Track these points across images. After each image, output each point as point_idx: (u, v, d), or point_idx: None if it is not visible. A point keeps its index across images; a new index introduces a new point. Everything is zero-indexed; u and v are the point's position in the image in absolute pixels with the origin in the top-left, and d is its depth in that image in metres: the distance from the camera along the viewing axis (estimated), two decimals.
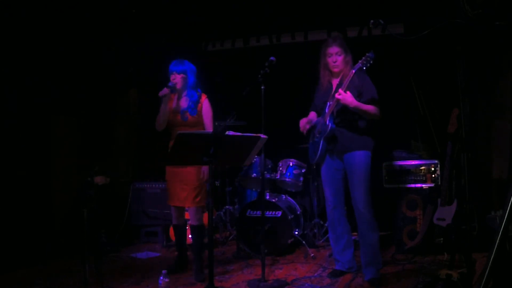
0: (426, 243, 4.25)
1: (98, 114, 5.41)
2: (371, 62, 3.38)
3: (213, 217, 4.11)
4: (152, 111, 3.94)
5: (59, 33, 4.69)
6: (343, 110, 3.58)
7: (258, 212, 4.56)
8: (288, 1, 5.27)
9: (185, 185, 3.84)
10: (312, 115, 3.82)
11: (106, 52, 5.27)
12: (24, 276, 4.03)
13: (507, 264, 2.55)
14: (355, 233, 3.77)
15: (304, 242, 4.59)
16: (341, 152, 3.65)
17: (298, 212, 4.84)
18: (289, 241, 4.55)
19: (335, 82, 3.69)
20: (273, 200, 4.67)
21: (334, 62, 3.61)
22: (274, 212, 4.57)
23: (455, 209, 3.98)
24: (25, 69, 4.47)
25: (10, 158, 4.36)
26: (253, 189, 5.56)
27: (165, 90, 3.79)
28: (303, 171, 4.96)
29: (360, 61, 3.41)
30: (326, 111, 3.59)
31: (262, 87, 3.69)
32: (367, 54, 3.39)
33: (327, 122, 3.56)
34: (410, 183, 4.57)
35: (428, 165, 4.54)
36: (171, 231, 4.81)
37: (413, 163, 4.59)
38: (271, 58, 3.65)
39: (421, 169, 4.55)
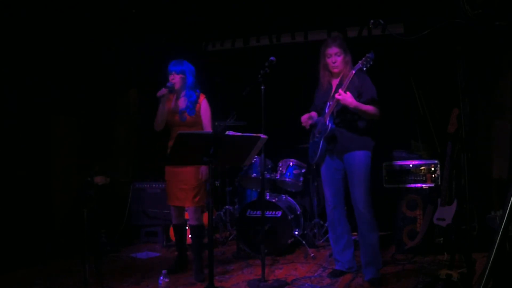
0: (426, 243, 4.25)
1: (98, 114, 5.41)
2: (371, 62, 3.39)
3: (213, 217, 4.11)
4: (152, 111, 3.94)
5: (59, 33, 4.69)
6: (343, 110, 3.58)
7: (258, 212, 4.56)
8: (288, 1, 5.27)
9: (184, 185, 3.84)
10: (313, 114, 3.82)
11: (106, 52, 5.27)
12: (24, 276, 4.03)
13: (507, 264, 2.55)
14: (355, 233, 3.77)
15: (304, 242, 4.59)
16: (341, 152, 3.65)
17: (298, 212, 4.84)
18: (289, 241, 4.55)
19: (335, 82, 3.69)
20: (273, 200, 4.67)
21: (334, 62, 3.61)
22: (274, 212, 4.57)
23: (455, 209, 3.98)
24: (25, 69, 4.47)
25: (10, 158, 4.36)
26: (253, 189, 5.56)
27: (163, 91, 3.80)
28: (303, 171, 4.96)
29: (360, 62, 3.42)
30: (326, 111, 3.60)
31: (262, 87, 3.69)
32: (367, 54, 3.40)
33: (327, 122, 3.56)
34: (410, 183, 4.57)
35: (428, 165, 4.54)
36: (171, 231, 4.81)
37: (413, 163, 4.59)
38: (271, 58, 3.65)
39: (421, 169, 4.55)
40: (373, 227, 3.62)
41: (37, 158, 4.67)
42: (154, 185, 5.34)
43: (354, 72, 3.43)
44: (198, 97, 3.92)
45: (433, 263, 4.03)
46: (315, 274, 3.90)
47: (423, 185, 4.51)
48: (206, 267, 3.46)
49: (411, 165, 4.59)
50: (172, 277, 3.70)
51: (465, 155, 3.32)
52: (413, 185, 4.55)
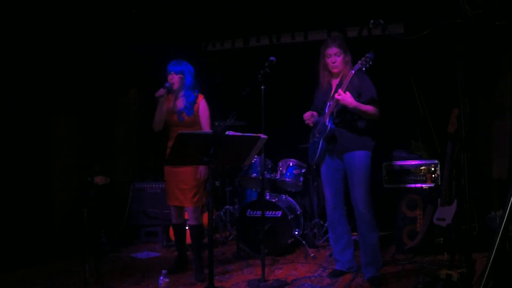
0: (426, 243, 4.25)
1: (98, 114, 5.41)
2: (371, 62, 3.39)
3: (213, 217, 4.11)
4: (152, 111, 3.95)
5: (59, 33, 4.69)
6: (342, 111, 3.58)
7: (258, 212, 4.57)
8: (288, 1, 5.27)
9: (184, 185, 3.85)
10: (314, 114, 3.82)
11: (106, 52, 5.27)
12: (24, 276, 4.03)
13: (507, 264, 2.55)
14: (355, 233, 3.77)
15: (304, 242, 4.59)
16: (341, 152, 3.65)
17: (298, 212, 4.84)
18: (289, 241, 4.55)
19: (334, 82, 3.69)
20: (273, 200, 4.67)
21: (333, 62, 3.61)
22: (274, 212, 4.57)
23: (455, 209, 3.98)
24: (25, 69, 4.47)
25: (10, 158, 4.36)
26: (253, 189, 5.56)
27: (161, 91, 3.81)
28: (303, 171, 4.96)
29: (359, 62, 3.42)
30: (326, 111, 3.60)
31: (262, 87, 3.69)
32: (366, 54, 3.40)
33: (327, 122, 3.56)
34: (410, 183, 4.57)
35: (428, 165, 4.54)
36: (171, 231, 4.81)
37: (413, 163, 4.59)
38: (271, 58, 3.65)
39: (421, 169, 4.55)
40: (373, 227, 3.63)
41: (37, 158, 4.67)
42: (154, 185, 5.34)
43: (353, 72, 3.44)
44: (196, 97, 3.93)
45: (433, 263, 4.03)
46: (315, 274, 3.90)
47: (423, 185, 4.51)
48: (206, 267, 3.46)
49: (411, 165, 4.59)
50: (172, 277, 3.70)
51: (465, 155, 3.31)
52: (413, 185, 4.55)
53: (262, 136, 3.20)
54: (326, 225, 4.54)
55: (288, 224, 4.53)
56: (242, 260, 4.41)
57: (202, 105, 3.93)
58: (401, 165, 4.63)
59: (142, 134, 5.87)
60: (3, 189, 4.26)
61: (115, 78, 5.56)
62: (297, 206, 4.89)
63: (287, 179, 4.91)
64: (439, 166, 4.48)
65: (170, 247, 5.02)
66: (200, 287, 3.64)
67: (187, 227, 4.06)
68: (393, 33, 3.84)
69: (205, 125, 3.92)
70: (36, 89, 4.58)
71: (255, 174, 4.91)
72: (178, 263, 4.08)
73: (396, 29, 5.08)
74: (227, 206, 5.45)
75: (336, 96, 3.44)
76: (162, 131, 4.01)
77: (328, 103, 3.61)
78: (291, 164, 4.93)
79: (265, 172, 4.40)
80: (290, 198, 4.96)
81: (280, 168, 4.96)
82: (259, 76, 3.65)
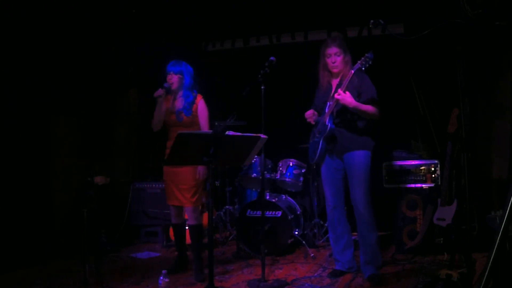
0: (426, 243, 4.25)
1: (98, 114, 5.41)
2: (370, 62, 3.39)
3: (213, 217, 4.11)
4: (152, 111, 3.95)
5: (59, 33, 4.69)
6: (342, 110, 3.58)
7: (258, 212, 4.57)
8: (288, 1, 5.27)
9: (183, 185, 3.85)
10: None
11: (106, 52, 5.27)
12: (24, 276, 4.03)
13: (507, 264, 2.55)
14: (355, 233, 3.77)
15: (304, 242, 4.59)
16: (341, 152, 3.65)
17: (298, 212, 4.84)
18: (289, 241, 4.55)
19: (334, 82, 3.69)
20: (273, 200, 4.67)
21: (333, 62, 3.61)
22: (274, 212, 4.57)
23: (455, 209, 3.98)
24: (25, 69, 4.47)
25: (10, 158, 4.36)
26: (253, 189, 5.56)
27: (160, 91, 3.82)
28: (303, 171, 4.96)
29: (359, 62, 3.42)
30: (326, 111, 3.60)
31: (262, 87, 3.69)
32: (366, 54, 3.40)
33: (327, 122, 3.56)
34: (410, 183, 4.56)
35: (428, 165, 4.54)
36: (171, 231, 4.81)
37: (413, 163, 4.59)
38: (271, 58, 3.65)
39: (421, 169, 4.55)
40: (373, 227, 3.63)
41: (37, 158, 4.67)
42: (154, 185, 5.34)
43: (353, 72, 3.44)
44: (195, 98, 3.93)
45: (433, 263, 4.03)
46: (315, 274, 3.90)
47: (423, 185, 4.51)
48: (206, 267, 3.46)
49: (411, 165, 4.59)
50: (172, 277, 3.70)
51: (465, 155, 3.31)
52: (413, 185, 4.55)
53: (262, 136, 3.20)
54: (326, 225, 4.54)
55: (288, 224, 4.53)
56: (242, 260, 4.41)
57: (200, 105, 3.94)
58: (401, 165, 4.63)
59: (142, 134, 5.87)
60: (3, 189, 4.26)
61: (115, 78, 5.56)
62: (297, 206, 4.89)
63: (287, 179, 4.91)
64: (439, 166, 4.48)
65: (170, 247, 5.02)
66: (200, 287, 3.64)
67: (187, 227, 4.06)
68: (393, 33, 3.84)
69: (204, 125, 3.93)
70: (36, 89, 4.58)
71: (255, 174, 4.91)
72: (178, 263, 4.08)
73: (396, 29, 5.08)
74: (227, 206, 5.45)
75: (336, 96, 3.44)
76: (162, 131, 4.02)
77: (328, 103, 3.61)
78: (291, 164, 4.93)
79: (265, 172, 4.40)
80: (290, 198, 4.96)
81: (280, 168, 4.96)
82: (259, 76, 3.65)
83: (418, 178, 4.55)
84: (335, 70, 3.64)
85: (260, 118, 3.69)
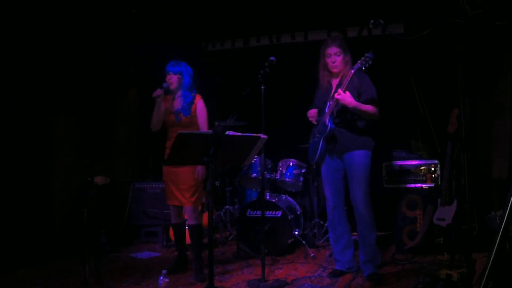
0: (426, 243, 4.25)
1: (98, 114, 5.41)
2: (370, 62, 3.39)
3: (213, 217, 4.11)
4: (152, 111, 3.95)
5: (59, 33, 4.69)
6: (342, 110, 3.58)
7: (258, 212, 4.57)
8: (288, 1, 5.27)
9: (182, 185, 3.86)
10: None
11: (106, 52, 5.27)
12: (24, 276, 4.03)
13: (507, 264, 2.55)
14: (355, 233, 3.77)
15: (304, 242, 4.59)
16: (341, 152, 3.65)
17: (298, 212, 4.84)
18: (289, 241, 4.55)
19: (334, 82, 3.69)
20: (273, 200, 4.67)
21: (333, 62, 3.61)
22: (274, 212, 4.57)
23: (455, 209, 3.98)
24: (25, 69, 4.47)
25: (10, 158, 4.36)
26: (253, 189, 5.56)
27: (159, 91, 3.82)
28: (303, 171, 4.96)
29: (359, 61, 3.42)
30: (326, 111, 3.60)
31: (262, 87, 3.69)
32: (366, 54, 3.40)
33: (327, 122, 3.56)
34: (410, 183, 4.56)
35: (428, 165, 4.54)
36: (171, 231, 4.81)
37: (413, 163, 4.59)
38: (271, 58, 3.66)
39: (421, 169, 4.55)
40: (372, 227, 3.64)
41: (37, 158, 4.67)
42: (154, 185, 5.34)
43: (353, 71, 3.44)
44: (194, 98, 3.94)
45: (433, 263, 4.03)
46: (315, 274, 3.90)
47: (423, 185, 4.51)
48: (206, 267, 3.46)
49: (411, 165, 4.59)
50: (172, 277, 3.70)
51: (465, 155, 3.31)
52: (413, 185, 4.55)
53: (262, 136, 3.20)
54: (326, 225, 4.54)
55: (288, 224, 4.53)
56: (242, 260, 4.41)
57: (199, 105, 3.94)
58: (401, 165, 4.63)
59: (142, 134, 5.87)
60: (3, 189, 4.26)
61: (115, 78, 5.56)
62: (297, 206, 4.89)
63: (287, 179, 4.91)
64: (439, 166, 4.48)
65: (170, 247, 5.02)
66: (200, 287, 3.64)
67: (186, 227, 4.06)
68: (393, 33, 3.85)
69: (203, 126, 3.93)
70: (36, 89, 4.58)
71: (255, 174, 4.91)
72: (178, 263, 4.08)
73: (396, 29, 5.08)
74: (227, 206, 5.45)
75: (336, 95, 3.44)
76: (162, 131, 4.02)
77: (328, 103, 3.61)
78: (291, 164, 4.93)
79: (265, 172, 4.40)
80: (290, 198, 4.96)
81: (280, 168, 4.96)
82: (259, 76, 3.65)
83: (418, 178, 4.55)
84: (335, 70, 3.64)
85: (260, 118, 3.69)
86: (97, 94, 5.33)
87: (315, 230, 4.99)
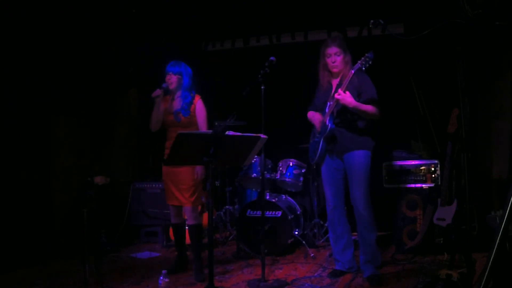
0: (426, 243, 4.25)
1: (98, 114, 5.41)
2: (370, 62, 3.39)
3: (213, 217, 4.11)
4: (152, 111, 3.95)
5: (59, 33, 4.69)
6: (343, 110, 3.58)
7: (258, 212, 4.57)
8: (288, 1, 5.27)
9: (182, 185, 3.86)
10: (312, 113, 3.82)
11: (106, 52, 5.27)
12: (24, 276, 4.03)
13: (507, 264, 2.55)
14: (355, 233, 3.77)
15: (304, 242, 4.59)
16: (341, 152, 3.65)
17: (298, 212, 4.84)
18: (289, 241, 4.55)
19: (335, 82, 3.69)
20: (273, 200, 4.67)
21: (333, 62, 3.61)
22: (274, 212, 4.57)
23: (455, 209, 3.98)
24: (25, 69, 4.47)
25: (10, 158, 4.36)
26: (253, 189, 5.56)
27: (158, 92, 3.83)
28: (303, 171, 4.96)
29: (359, 62, 3.42)
30: (326, 111, 3.60)
31: (262, 87, 3.69)
32: (366, 54, 3.40)
33: (327, 122, 3.56)
34: (410, 183, 4.56)
35: (428, 165, 4.54)
36: (171, 231, 4.81)
37: (413, 163, 4.59)
38: (271, 58, 3.65)
39: (421, 169, 4.55)
40: (372, 227, 3.63)
41: (37, 158, 4.67)
42: (154, 185, 5.34)
43: (353, 72, 3.44)
44: (193, 98, 3.94)
45: (433, 263, 4.03)
46: (315, 274, 3.90)
47: (423, 185, 4.51)
48: (206, 267, 3.46)
49: (411, 165, 4.59)
50: (172, 277, 3.70)
51: (465, 155, 3.32)
52: (413, 185, 4.55)
53: (262, 136, 3.20)
54: (326, 225, 4.54)
55: (288, 224, 4.53)
56: (242, 260, 4.41)
57: (198, 105, 3.94)
58: (401, 165, 4.63)
59: (142, 134, 5.86)
60: (3, 189, 4.26)
61: (115, 78, 5.56)
62: (297, 206, 4.89)
63: (287, 179, 4.91)
64: (439, 166, 4.48)
65: (170, 247, 5.02)
66: (200, 287, 3.64)
67: (186, 227, 4.06)
68: (393, 33, 3.85)
69: (202, 126, 3.94)
70: (36, 89, 4.58)
71: (255, 174, 4.91)
72: (178, 263, 4.09)
73: (396, 29, 5.08)
74: (227, 206, 5.45)
75: (336, 96, 3.44)
76: (162, 131, 4.02)
77: (328, 103, 3.61)
78: (291, 164, 4.93)
79: (265, 172, 4.40)
80: (290, 198, 4.96)
81: (280, 168, 4.96)
82: (259, 76, 3.65)
83: (418, 178, 4.55)
84: (335, 70, 3.64)
85: (260, 118, 3.69)
86: (97, 94, 5.33)
87: (315, 230, 4.99)
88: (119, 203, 5.35)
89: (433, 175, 4.49)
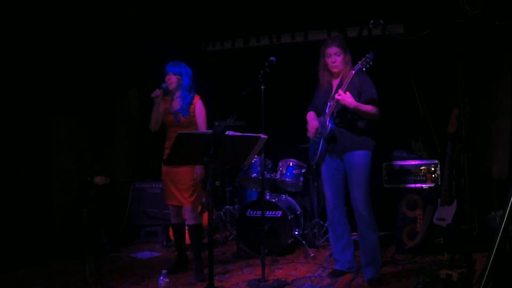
0: (426, 243, 4.25)
1: (98, 114, 5.41)
2: (371, 63, 3.38)
3: (213, 217, 4.11)
4: (152, 111, 3.95)
5: (59, 33, 4.69)
6: (343, 111, 3.58)
7: (258, 212, 4.57)
8: (288, 1, 5.27)
9: (181, 184, 3.86)
10: (312, 116, 3.82)
11: (106, 52, 5.27)
12: (24, 276, 4.03)
13: (507, 264, 2.55)
14: (355, 233, 3.77)
15: (304, 242, 4.59)
16: (341, 152, 3.65)
17: (298, 212, 4.84)
18: (289, 241, 4.55)
19: (335, 82, 3.69)
20: (273, 200, 4.67)
21: (333, 62, 3.61)
22: (274, 212, 4.57)
23: (455, 209, 3.98)
24: (25, 69, 4.47)
25: (10, 158, 4.36)
26: (253, 189, 5.56)
27: (157, 92, 3.83)
28: (303, 171, 4.96)
29: (359, 62, 3.42)
30: (327, 111, 3.60)
31: (262, 87, 3.69)
32: (366, 55, 3.40)
33: (327, 123, 3.56)
34: (410, 183, 4.57)
35: (428, 165, 4.54)
36: (171, 231, 4.81)
37: (413, 163, 4.59)
38: (271, 58, 3.65)
39: (421, 169, 4.55)
40: (373, 227, 3.62)
41: (37, 158, 4.67)
42: (154, 185, 5.34)
43: (353, 72, 3.43)
44: (192, 98, 3.94)
45: (433, 263, 4.03)
46: (315, 274, 3.90)
47: (423, 185, 4.51)
48: (206, 267, 3.46)
49: (411, 165, 4.59)
50: (172, 277, 3.70)
51: (465, 155, 3.32)
52: (413, 185, 4.55)
53: (262, 136, 3.20)
54: (326, 225, 4.54)
55: (288, 224, 4.53)
56: (242, 260, 4.41)
57: (198, 106, 3.95)
58: (401, 165, 4.63)
59: (142, 134, 5.86)
60: (3, 189, 4.26)
61: (115, 78, 5.56)
62: (297, 206, 4.89)
63: (287, 179, 4.91)
64: (439, 166, 4.48)
65: (170, 247, 5.02)
66: (200, 287, 3.64)
67: (186, 227, 4.06)
68: (393, 33, 3.84)
69: (201, 126, 3.94)
70: (36, 89, 4.58)
71: (255, 174, 4.91)
72: (178, 263, 4.09)
73: (396, 29, 5.08)
74: (227, 206, 5.45)
75: (336, 96, 3.44)
76: (162, 131, 4.02)
77: (329, 103, 3.61)
78: (291, 164, 4.93)
79: (265, 172, 4.40)
80: (290, 198, 4.96)
81: (280, 168, 4.96)
82: (259, 76, 3.65)
83: (418, 178, 4.55)
84: (335, 70, 3.64)
85: (260, 118, 3.69)
86: (97, 94, 5.33)
87: (315, 230, 4.99)
88: (119, 203, 5.35)
89: (433, 175, 4.49)
